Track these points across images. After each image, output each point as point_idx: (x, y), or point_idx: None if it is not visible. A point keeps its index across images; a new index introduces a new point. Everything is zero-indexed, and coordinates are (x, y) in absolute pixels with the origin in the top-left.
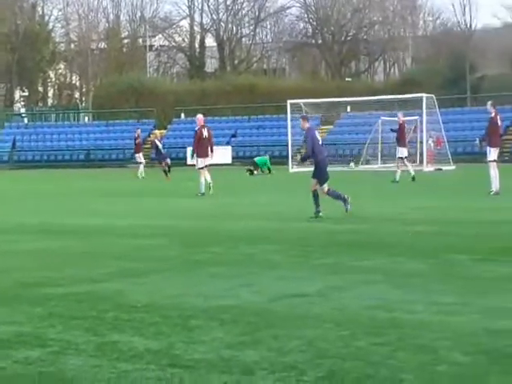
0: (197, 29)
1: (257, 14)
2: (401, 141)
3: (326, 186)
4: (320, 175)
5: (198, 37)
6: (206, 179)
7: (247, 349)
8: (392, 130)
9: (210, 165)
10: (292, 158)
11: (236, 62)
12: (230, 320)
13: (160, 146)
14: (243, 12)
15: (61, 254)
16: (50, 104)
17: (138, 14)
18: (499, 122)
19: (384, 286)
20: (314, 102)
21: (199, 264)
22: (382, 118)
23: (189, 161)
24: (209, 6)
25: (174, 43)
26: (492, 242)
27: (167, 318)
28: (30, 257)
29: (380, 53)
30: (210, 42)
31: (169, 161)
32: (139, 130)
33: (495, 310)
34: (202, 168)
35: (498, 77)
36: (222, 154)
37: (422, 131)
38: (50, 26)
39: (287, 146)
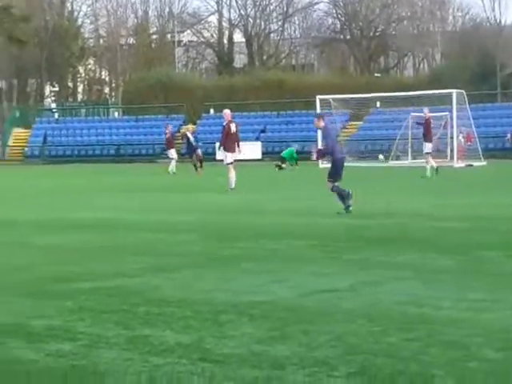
0: (225, 24)
1: (285, 9)
2: (427, 136)
3: (331, 184)
4: (335, 174)
5: (227, 32)
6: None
7: (277, 344)
8: (418, 123)
9: (240, 160)
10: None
11: (264, 57)
12: (260, 315)
13: (192, 139)
14: (271, 7)
15: (90, 248)
16: (79, 99)
17: (167, 9)
18: None
19: (414, 281)
20: (343, 97)
21: (229, 259)
22: (412, 113)
23: (218, 156)
24: (237, 2)
25: (202, 39)
26: None
27: (198, 313)
28: (53, 252)
29: (409, 48)
30: (238, 37)
31: (200, 152)
32: (170, 126)
33: None
34: (230, 163)
35: None
36: (251, 150)
37: (452, 127)
38: (79, 21)
39: (316, 141)
